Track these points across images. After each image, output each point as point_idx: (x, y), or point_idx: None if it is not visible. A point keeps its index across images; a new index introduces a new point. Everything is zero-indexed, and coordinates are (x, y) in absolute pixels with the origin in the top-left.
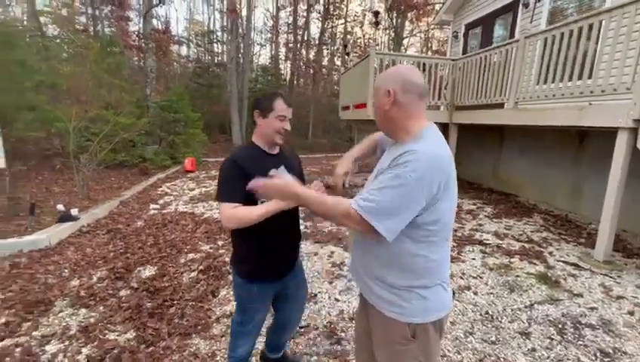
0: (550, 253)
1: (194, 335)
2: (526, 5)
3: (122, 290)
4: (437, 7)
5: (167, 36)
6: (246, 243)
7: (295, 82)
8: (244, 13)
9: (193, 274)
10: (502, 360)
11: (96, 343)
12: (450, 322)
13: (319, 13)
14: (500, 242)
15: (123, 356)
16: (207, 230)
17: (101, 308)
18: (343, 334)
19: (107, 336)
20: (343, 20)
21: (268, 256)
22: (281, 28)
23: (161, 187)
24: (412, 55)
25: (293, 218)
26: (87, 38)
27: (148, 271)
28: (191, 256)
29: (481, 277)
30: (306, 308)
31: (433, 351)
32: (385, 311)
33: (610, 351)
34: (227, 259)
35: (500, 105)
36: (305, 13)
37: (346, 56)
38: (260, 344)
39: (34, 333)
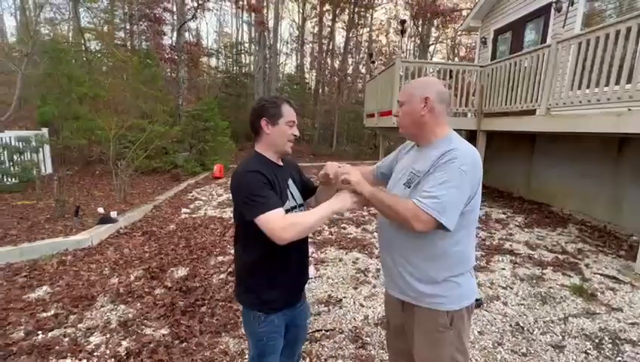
0: (586, 265)
1: (224, 334)
2: (559, 9)
3: (157, 289)
4: (464, 12)
5: (198, 48)
6: (264, 270)
7: (320, 90)
8: (271, 24)
9: (223, 276)
10: None
11: (134, 337)
12: (478, 332)
13: (344, 22)
14: (532, 252)
15: (159, 350)
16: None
17: (138, 304)
18: (368, 339)
19: (144, 331)
20: (367, 29)
21: (288, 282)
22: (307, 38)
23: (191, 192)
24: (438, 62)
25: (305, 239)
26: (125, 52)
27: (180, 272)
28: (220, 258)
29: (511, 288)
30: (332, 312)
31: (465, 336)
32: (423, 304)
33: None
34: None
35: (531, 112)
36: (330, 23)
37: (371, 65)
38: None
39: (79, 325)
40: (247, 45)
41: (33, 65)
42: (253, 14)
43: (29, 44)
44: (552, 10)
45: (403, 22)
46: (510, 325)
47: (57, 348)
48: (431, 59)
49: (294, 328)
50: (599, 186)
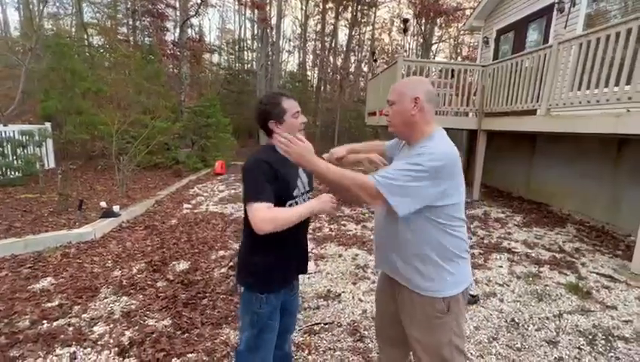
0: (583, 264)
1: (224, 326)
2: (561, 10)
3: (159, 281)
4: (467, 12)
5: (200, 45)
6: (266, 250)
7: (322, 88)
8: (273, 21)
9: (224, 270)
10: None
11: (137, 327)
12: (474, 327)
13: (347, 20)
14: (529, 251)
15: (161, 340)
16: (236, 229)
17: (141, 296)
18: (365, 332)
19: (147, 322)
20: (370, 27)
21: (287, 265)
22: (309, 35)
23: (193, 188)
24: (441, 61)
25: (306, 221)
26: (128, 48)
27: (182, 265)
28: (221, 253)
29: (507, 285)
30: (331, 306)
31: (462, 319)
32: (421, 291)
33: None
34: None
35: (532, 112)
36: (333, 21)
37: (374, 63)
38: None
39: (83, 315)
40: (249, 42)
41: (36, 59)
42: (256, 11)
43: (32, 38)
44: (555, 10)
45: (406, 20)
46: (506, 321)
47: (62, 336)
48: (433, 58)
49: (287, 315)
50: (598, 187)
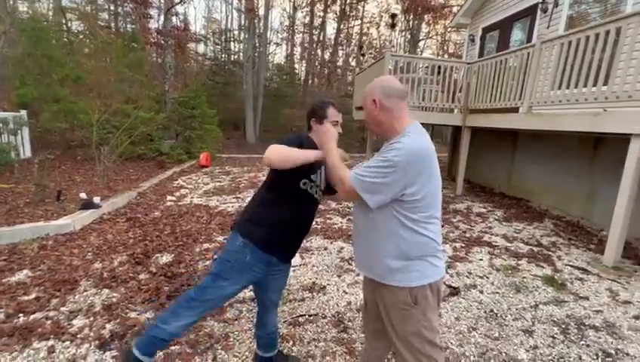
0: (559, 257)
1: (208, 318)
2: (544, 10)
3: (142, 274)
4: (454, 9)
5: (185, 34)
6: (273, 212)
7: (310, 82)
8: (261, 12)
9: (208, 263)
10: (504, 354)
11: (118, 320)
12: (455, 318)
13: (336, 13)
14: (509, 245)
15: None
16: (220, 222)
17: (122, 289)
18: (350, 323)
19: (128, 314)
20: (359, 21)
21: (285, 237)
22: (298, 28)
23: (177, 180)
24: (427, 57)
25: (314, 210)
26: (109, 34)
27: (165, 258)
28: (206, 245)
29: (487, 277)
30: (315, 298)
31: (432, 313)
32: (386, 281)
33: (613, 352)
34: None
35: (515, 110)
36: (321, 14)
37: (362, 57)
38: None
39: (62, 309)
40: (236, 33)
41: (10, 44)
42: (243, 1)
43: (6, 21)
44: (539, 10)
45: (394, 15)
46: (485, 311)
47: (40, 330)
48: (421, 54)
49: (272, 286)
50: (576, 183)
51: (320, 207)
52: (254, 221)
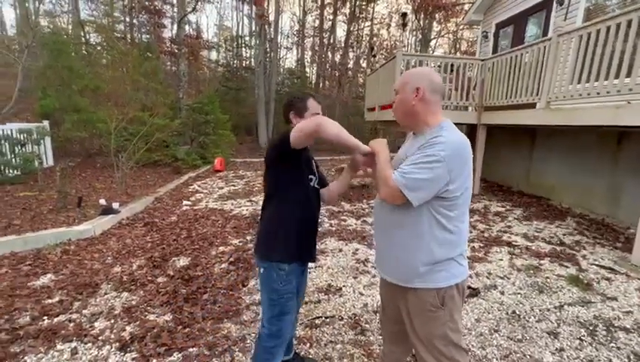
0: (583, 256)
1: (225, 320)
2: (560, 2)
3: (160, 277)
4: (466, 7)
5: (198, 41)
6: (291, 219)
7: (321, 85)
8: (271, 17)
9: (224, 266)
10: (528, 357)
11: (138, 322)
12: (475, 319)
13: (345, 16)
14: (530, 244)
15: (162, 335)
16: (235, 225)
17: (141, 292)
18: (367, 326)
19: (147, 317)
20: (369, 23)
21: (305, 238)
22: (308, 31)
23: (192, 185)
24: (439, 55)
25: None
26: (125, 45)
27: (182, 261)
28: (222, 248)
29: (508, 278)
30: (332, 300)
31: (457, 314)
32: (411, 285)
33: None
34: None
35: (532, 106)
36: (331, 17)
37: (372, 58)
38: None
39: (84, 311)
40: (247, 39)
41: (33, 57)
42: (253, 7)
43: (29, 36)
44: (554, 3)
45: (404, 15)
46: (507, 313)
47: (63, 332)
48: (432, 53)
49: (299, 295)
50: (597, 180)
51: (334, 208)
52: (280, 240)
